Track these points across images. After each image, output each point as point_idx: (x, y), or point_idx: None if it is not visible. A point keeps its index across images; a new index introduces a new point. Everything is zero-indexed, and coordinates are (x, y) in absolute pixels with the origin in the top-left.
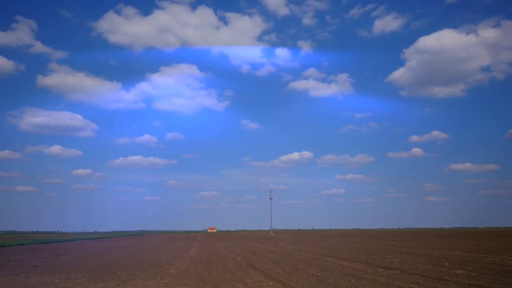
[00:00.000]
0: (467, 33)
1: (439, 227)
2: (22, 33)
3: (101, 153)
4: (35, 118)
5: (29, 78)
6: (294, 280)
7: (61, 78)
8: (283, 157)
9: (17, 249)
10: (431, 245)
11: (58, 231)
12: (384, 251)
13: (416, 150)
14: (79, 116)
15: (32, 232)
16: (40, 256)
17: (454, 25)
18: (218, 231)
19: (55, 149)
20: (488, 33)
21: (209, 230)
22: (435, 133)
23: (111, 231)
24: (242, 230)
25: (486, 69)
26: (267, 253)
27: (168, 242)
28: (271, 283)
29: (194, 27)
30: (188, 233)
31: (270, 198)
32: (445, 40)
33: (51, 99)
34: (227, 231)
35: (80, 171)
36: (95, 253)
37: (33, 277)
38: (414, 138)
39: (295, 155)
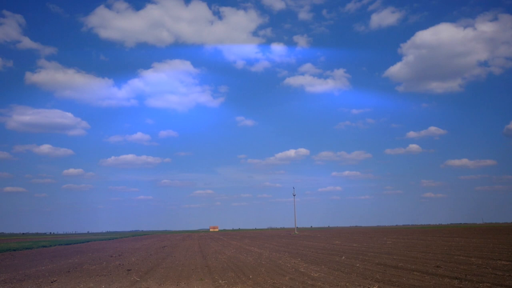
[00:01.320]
0: (465, 27)
1: (437, 223)
2: (9, 28)
3: (92, 152)
4: (24, 116)
5: (17, 75)
6: (495, 281)
7: (50, 75)
8: (279, 154)
9: (50, 251)
10: (493, 240)
11: (50, 233)
12: (485, 248)
13: (413, 146)
14: (69, 114)
15: (23, 234)
16: (94, 258)
17: (452, 19)
18: (219, 231)
19: (45, 148)
20: (485, 27)
21: (211, 229)
22: (433, 128)
23: (104, 231)
24: (240, 229)
25: (483, 64)
26: (355, 251)
27: (200, 242)
28: None
29: (188, 22)
30: (192, 233)
31: (293, 195)
32: (443, 35)
33: (40, 96)
34: (224, 230)
35: (71, 170)
36: (151, 255)
37: (166, 284)
38: (412, 134)
39: (291, 152)
